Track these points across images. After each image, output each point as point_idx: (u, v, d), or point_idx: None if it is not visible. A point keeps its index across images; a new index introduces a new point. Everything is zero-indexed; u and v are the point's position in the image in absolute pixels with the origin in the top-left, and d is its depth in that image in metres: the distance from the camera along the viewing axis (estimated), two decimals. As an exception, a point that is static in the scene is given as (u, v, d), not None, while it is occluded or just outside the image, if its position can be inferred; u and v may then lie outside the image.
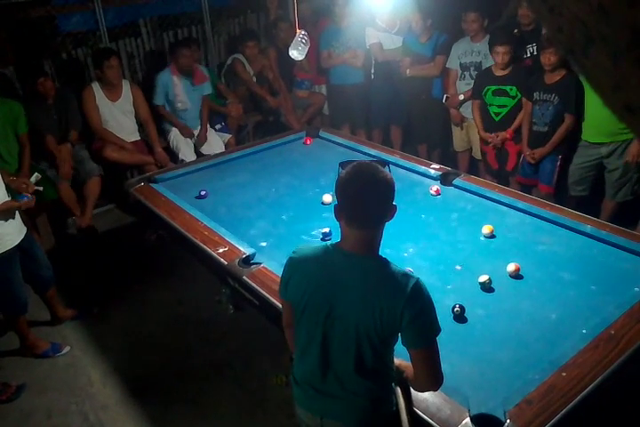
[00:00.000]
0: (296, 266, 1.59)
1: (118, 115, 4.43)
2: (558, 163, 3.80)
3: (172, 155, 4.65)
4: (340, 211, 1.49)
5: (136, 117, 4.56)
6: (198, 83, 4.62)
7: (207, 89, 4.72)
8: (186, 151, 4.59)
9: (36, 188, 3.10)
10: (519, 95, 3.91)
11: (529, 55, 4.08)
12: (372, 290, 1.47)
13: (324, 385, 1.61)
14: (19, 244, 2.92)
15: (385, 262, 1.51)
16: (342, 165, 1.56)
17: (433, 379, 1.52)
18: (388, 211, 1.49)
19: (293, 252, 1.62)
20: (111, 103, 4.37)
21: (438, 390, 1.58)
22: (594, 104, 3.48)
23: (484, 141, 4.21)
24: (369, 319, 1.46)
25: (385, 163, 1.66)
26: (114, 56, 4.31)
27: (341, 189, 1.47)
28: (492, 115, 4.07)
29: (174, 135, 4.64)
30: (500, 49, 3.80)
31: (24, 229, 3.01)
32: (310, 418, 1.69)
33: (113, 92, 4.37)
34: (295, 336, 1.67)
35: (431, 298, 1.47)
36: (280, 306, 1.83)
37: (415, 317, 1.44)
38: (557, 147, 3.74)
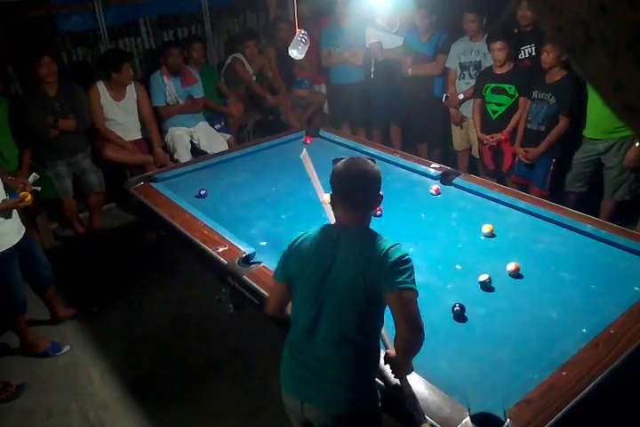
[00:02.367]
0: (296, 247, 1.77)
1: (122, 114, 4.42)
2: (552, 167, 3.81)
3: (169, 155, 4.65)
4: (334, 199, 1.72)
5: (139, 116, 4.55)
6: (187, 84, 4.60)
7: (198, 91, 4.67)
8: (182, 152, 4.58)
9: (33, 188, 3.10)
10: (517, 95, 3.92)
11: (527, 55, 4.08)
12: (361, 249, 1.66)
13: (308, 357, 1.70)
14: (17, 243, 2.92)
15: (372, 231, 1.73)
16: (335, 161, 1.78)
17: (412, 322, 1.57)
18: (374, 198, 1.73)
19: (292, 240, 1.82)
20: (116, 103, 4.36)
21: (422, 337, 1.60)
22: (595, 101, 3.49)
23: (480, 142, 4.22)
24: (357, 274, 1.63)
25: (372, 159, 1.88)
26: (130, 60, 4.34)
27: (334, 181, 1.72)
28: (490, 113, 4.07)
29: (171, 136, 4.63)
30: (495, 46, 3.82)
31: (23, 229, 3.01)
32: (292, 403, 1.78)
33: (118, 91, 4.35)
34: (292, 312, 1.80)
35: (409, 257, 1.64)
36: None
37: (392, 264, 1.60)
38: (551, 148, 3.75)
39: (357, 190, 1.70)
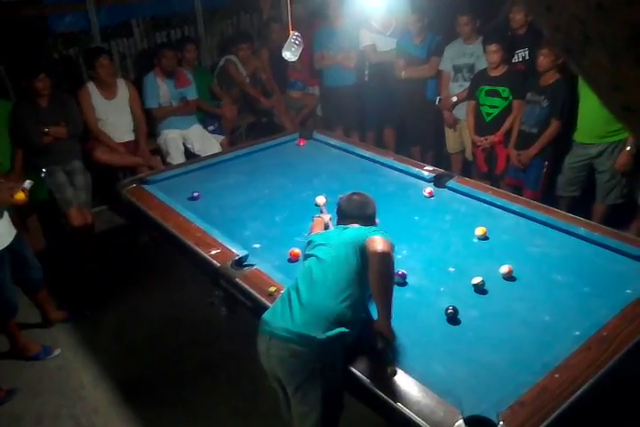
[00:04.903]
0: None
1: (114, 113, 4.38)
2: (544, 170, 3.82)
3: (162, 157, 4.63)
4: (340, 220, 2.25)
5: (132, 116, 4.52)
6: (181, 86, 4.58)
7: (191, 93, 4.65)
8: (175, 155, 4.55)
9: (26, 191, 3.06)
10: (511, 97, 3.93)
11: (521, 59, 4.09)
12: (355, 230, 2.10)
13: (293, 306, 1.89)
14: (8, 245, 2.89)
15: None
16: (341, 196, 2.32)
17: (382, 246, 1.85)
18: (370, 218, 2.23)
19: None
20: (107, 102, 4.33)
21: (388, 251, 1.86)
22: (587, 106, 3.51)
23: (474, 144, 4.23)
24: (348, 240, 2.00)
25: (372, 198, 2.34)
26: (105, 54, 4.27)
27: (340, 206, 2.27)
28: (484, 115, 4.09)
29: (165, 139, 4.61)
30: (490, 48, 3.84)
31: (13, 231, 2.98)
32: (262, 341, 1.91)
33: (108, 90, 4.33)
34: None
35: (391, 238, 1.95)
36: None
37: (374, 231, 1.99)
38: (543, 150, 3.77)
39: (356, 216, 2.20)
